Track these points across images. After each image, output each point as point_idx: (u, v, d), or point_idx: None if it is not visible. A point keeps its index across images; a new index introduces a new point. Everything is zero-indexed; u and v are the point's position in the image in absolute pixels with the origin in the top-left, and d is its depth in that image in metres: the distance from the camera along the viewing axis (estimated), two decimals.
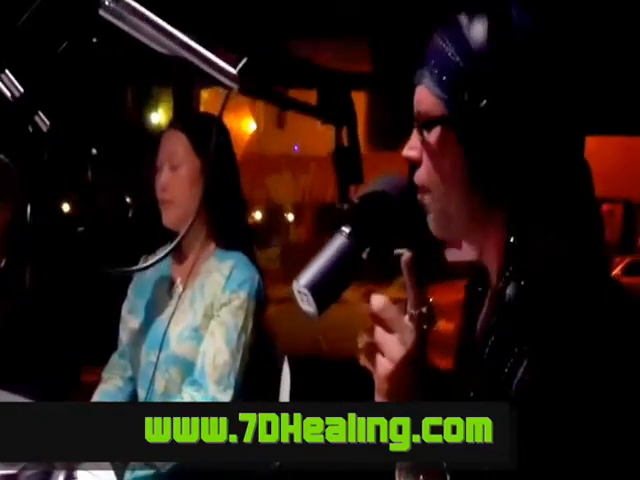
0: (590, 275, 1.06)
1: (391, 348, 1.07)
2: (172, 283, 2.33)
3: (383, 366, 1.07)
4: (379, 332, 1.08)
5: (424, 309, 1.09)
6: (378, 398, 1.11)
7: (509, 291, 1.06)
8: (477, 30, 1.08)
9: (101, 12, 1.04)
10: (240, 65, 1.11)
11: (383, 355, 1.07)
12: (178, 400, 2.14)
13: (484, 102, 1.06)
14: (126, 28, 1.08)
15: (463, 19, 1.10)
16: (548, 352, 1.00)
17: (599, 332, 1.01)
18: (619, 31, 3.54)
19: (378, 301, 1.09)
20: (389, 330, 1.08)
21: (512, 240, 1.08)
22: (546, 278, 1.04)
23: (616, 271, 9.36)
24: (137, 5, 1.06)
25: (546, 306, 1.02)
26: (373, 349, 1.09)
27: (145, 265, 1.24)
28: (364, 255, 1.12)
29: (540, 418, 0.98)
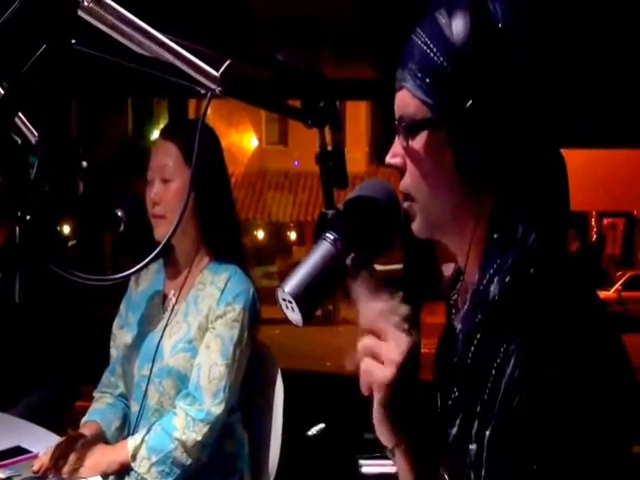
0: (572, 271, 1.05)
1: (389, 352, 1.04)
2: (165, 297, 2.31)
3: (383, 373, 1.04)
4: (374, 342, 1.05)
5: (405, 311, 1.06)
6: (378, 413, 1.07)
7: (493, 288, 1.04)
8: (459, 28, 1.05)
9: (80, 13, 1.03)
10: (223, 67, 1.09)
11: (382, 362, 1.04)
12: (171, 415, 2.12)
13: (470, 102, 1.03)
14: (106, 29, 1.07)
15: (442, 18, 1.07)
16: (537, 349, 0.98)
17: (586, 325, 1.00)
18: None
19: (370, 312, 1.07)
20: (384, 339, 1.05)
21: (495, 236, 1.07)
22: (531, 275, 1.03)
23: (617, 286, 9.39)
24: (117, 6, 1.05)
25: (532, 302, 1.01)
26: (371, 360, 1.06)
27: (130, 271, 1.21)
28: (348, 261, 1.10)
29: (531, 415, 0.97)
